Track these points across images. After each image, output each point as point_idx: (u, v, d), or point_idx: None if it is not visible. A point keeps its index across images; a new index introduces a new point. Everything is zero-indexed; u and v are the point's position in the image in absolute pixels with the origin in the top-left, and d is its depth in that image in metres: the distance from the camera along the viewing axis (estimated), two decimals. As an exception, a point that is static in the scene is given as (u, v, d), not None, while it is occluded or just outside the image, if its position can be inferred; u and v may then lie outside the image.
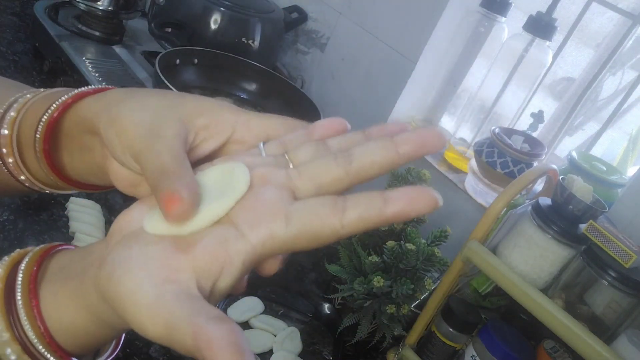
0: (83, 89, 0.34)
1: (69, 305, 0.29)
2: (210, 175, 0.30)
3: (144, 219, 0.29)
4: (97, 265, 0.28)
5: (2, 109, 0.35)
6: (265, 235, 0.27)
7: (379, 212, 0.27)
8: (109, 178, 0.34)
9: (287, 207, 0.28)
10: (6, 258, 0.30)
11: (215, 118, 0.32)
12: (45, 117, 0.33)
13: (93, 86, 0.35)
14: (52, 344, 0.29)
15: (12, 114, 0.35)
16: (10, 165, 0.36)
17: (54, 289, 0.29)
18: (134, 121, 0.30)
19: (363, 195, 0.28)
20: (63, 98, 0.34)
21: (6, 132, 0.34)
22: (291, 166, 0.30)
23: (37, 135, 0.34)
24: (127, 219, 0.30)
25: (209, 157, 0.32)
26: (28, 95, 0.36)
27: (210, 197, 0.29)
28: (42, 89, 0.37)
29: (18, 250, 0.31)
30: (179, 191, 0.27)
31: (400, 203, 0.27)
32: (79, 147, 0.35)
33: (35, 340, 0.28)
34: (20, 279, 0.29)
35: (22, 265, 0.29)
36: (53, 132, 0.34)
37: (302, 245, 0.28)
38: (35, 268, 0.29)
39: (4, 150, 0.35)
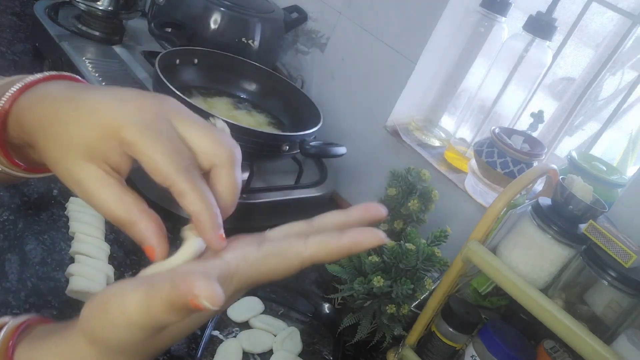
0: (14, 90, 0.35)
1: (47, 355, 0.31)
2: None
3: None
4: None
5: None
6: (239, 255, 0.32)
7: (336, 240, 0.32)
8: None
9: (260, 240, 0.33)
10: None
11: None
12: None
13: (23, 82, 0.36)
14: None
15: None
16: None
17: (30, 348, 0.31)
18: (57, 170, 0.33)
19: (325, 231, 0.33)
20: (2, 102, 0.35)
21: None
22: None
23: None
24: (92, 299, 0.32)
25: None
26: None
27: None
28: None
29: None
30: (146, 242, 0.32)
31: (353, 234, 0.32)
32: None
33: None
34: None
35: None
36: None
37: (271, 265, 0.32)
38: (11, 342, 0.31)
39: None
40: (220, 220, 0.33)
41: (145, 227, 0.32)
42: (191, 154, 0.33)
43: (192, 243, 0.33)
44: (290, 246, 0.32)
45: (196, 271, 0.29)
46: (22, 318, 0.33)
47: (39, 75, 0.36)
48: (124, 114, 0.32)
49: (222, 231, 0.33)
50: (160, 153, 0.31)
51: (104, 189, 0.32)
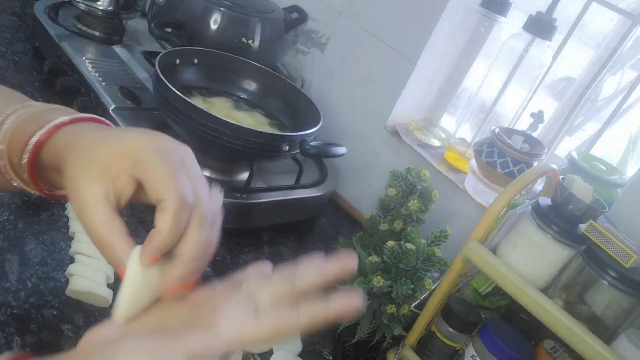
0: (51, 125, 0.40)
1: None
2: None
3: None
4: None
5: None
6: (238, 332, 0.35)
7: (324, 311, 0.36)
8: None
9: (255, 310, 0.36)
10: None
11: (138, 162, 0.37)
12: (26, 155, 0.40)
13: (58, 120, 0.41)
14: None
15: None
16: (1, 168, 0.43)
17: None
18: (70, 188, 0.37)
19: (313, 301, 0.37)
20: (34, 139, 0.40)
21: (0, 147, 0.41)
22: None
23: (23, 162, 0.40)
24: (95, 333, 0.35)
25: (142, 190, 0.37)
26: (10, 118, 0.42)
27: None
28: (31, 104, 0.43)
29: None
30: (120, 265, 0.35)
31: (338, 305, 0.36)
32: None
33: None
34: None
35: None
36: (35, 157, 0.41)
37: (267, 338, 0.35)
38: None
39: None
40: (162, 249, 0.36)
41: (122, 251, 0.35)
42: (190, 184, 0.37)
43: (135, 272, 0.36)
44: (285, 319, 0.36)
45: None
46: (6, 356, 0.36)
47: (66, 118, 0.41)
48: (144, 141, 0.37)
49: (154, 255, 0.36)
50: (164, 182, 0.36)
51: (98, 208, 0.35)
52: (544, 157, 0.87)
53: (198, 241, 0.36)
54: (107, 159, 0.36)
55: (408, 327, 0.75)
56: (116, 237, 0.35)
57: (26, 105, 0.42)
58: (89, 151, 0.37)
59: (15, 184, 0.42)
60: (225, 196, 0.84)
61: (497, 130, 0.87)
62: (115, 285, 0.69)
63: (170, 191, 0.35)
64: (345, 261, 0.38)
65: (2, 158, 0.41)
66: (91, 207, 0.35)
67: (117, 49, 1.14)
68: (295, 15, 1.20)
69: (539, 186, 0.84)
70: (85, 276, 0.66)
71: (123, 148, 0.36)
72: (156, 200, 0.35)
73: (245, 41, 1.11)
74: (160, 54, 0.90)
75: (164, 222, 0.35)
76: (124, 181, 0.36)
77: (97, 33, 1.14)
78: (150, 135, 0.38)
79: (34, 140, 0.39)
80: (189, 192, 0.36)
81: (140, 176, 0.36)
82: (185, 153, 0.39)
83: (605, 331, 0.60)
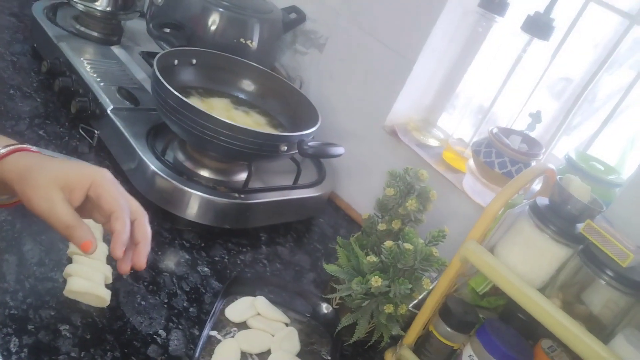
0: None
1: None
2: None
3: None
4: None
5: None
6: None
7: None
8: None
9: None
10: None
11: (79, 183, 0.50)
12: None
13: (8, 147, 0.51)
14: None
15: None
16: None
17: None
18: (36, 196, 0.49)
19: None
20: None
21: None
22: None
23: None
24: None
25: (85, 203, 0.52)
26: None
27: None
28: None
29: None
30: (85, 237, 0.49)
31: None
32: None
33: None
34: None
35: None
36: None
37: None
38: None
39: None
40: (126, 242, 0.51)
41: (85, 229, 0.49)
42: (124, 198, 0.53)
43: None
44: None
45: None
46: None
47: (4, 151, 0.51)
48: (97, 170, 0.52)
49: (123, 248, 0.50)
50: (115, 199, 0.51)
51: (65, 204, 0.49)
52: (541, 157, 0.87)
53: (147, 226, 0.54)
54: (70, 177, 0.50)
55: (406, 327, 0.76)
56: (79, 220, 0.49)
57: None
58: (54, 170, 0.49)
59: None
60: (223, 196, 0.85)
61: (495, 130, 0.87)
62: (113, 285, 0.70)
63: (118, 206, 0.51)
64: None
65: None
66: (60, 204, 0.48)
67: (116, 49, 1.14)
68: (293, 15, 1.20)
69: (536, 186, 0.84)
70: (83, 276, 0.66)
71: (84, 172, 0.51)
72: (109, 212, 0.50)
73: (244, 42, 1.11)
74: (159, 55, 0.90)
75: (120, 225, 0.50)
76: (77, 195, 0.50)
77: (95, 34, 1.14)
78: (96, 167, 0.53)
79: None
80: (126, 205, 0.52)
81: (95, 194, 0.50)
82: (114, 180, 0.53)
83: (602, 330, 0.60)
